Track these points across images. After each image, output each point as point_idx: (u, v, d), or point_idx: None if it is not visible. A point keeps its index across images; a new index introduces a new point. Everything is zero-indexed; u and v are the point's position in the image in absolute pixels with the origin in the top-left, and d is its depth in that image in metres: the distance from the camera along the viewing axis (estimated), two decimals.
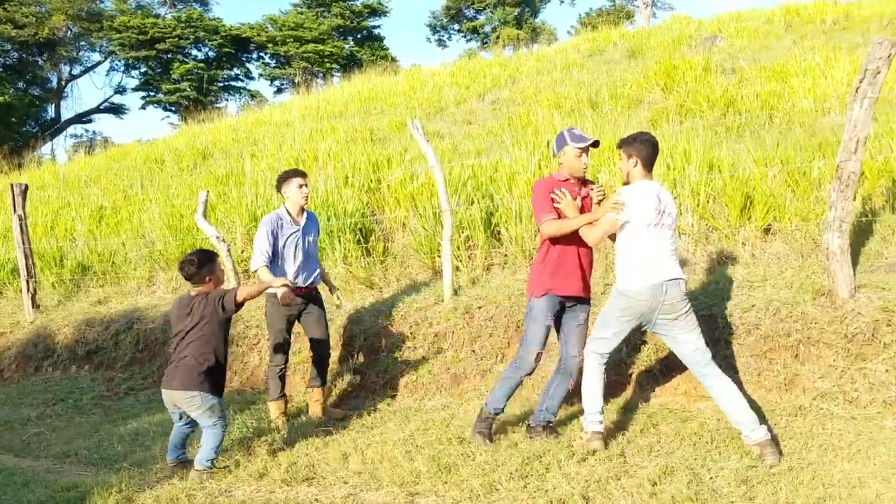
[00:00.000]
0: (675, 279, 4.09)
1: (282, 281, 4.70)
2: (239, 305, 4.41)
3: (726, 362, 4.91)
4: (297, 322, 5.52)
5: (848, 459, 3.82)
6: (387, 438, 4.76)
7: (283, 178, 5.51)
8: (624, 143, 4.25)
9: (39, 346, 7.86)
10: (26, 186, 8.72)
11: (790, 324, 4.82)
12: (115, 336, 7.54)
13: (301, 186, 5.45)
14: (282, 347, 5.47)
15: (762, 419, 4.14)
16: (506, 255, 6.93)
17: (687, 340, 4.12)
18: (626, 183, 4.26)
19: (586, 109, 11.00)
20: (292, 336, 5.61)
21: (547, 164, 7.35)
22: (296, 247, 5.42)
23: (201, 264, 4.40)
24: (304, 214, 5.55)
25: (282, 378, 5.51)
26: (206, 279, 4.44)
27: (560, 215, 4.39)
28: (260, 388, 6.30)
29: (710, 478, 3.78)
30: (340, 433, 5.04)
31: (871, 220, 5.63)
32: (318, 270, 5.62)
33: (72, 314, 8.18)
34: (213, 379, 4.37)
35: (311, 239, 5.55)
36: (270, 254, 5.29)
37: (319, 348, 5.55)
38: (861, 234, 5.55)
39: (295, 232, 5.43)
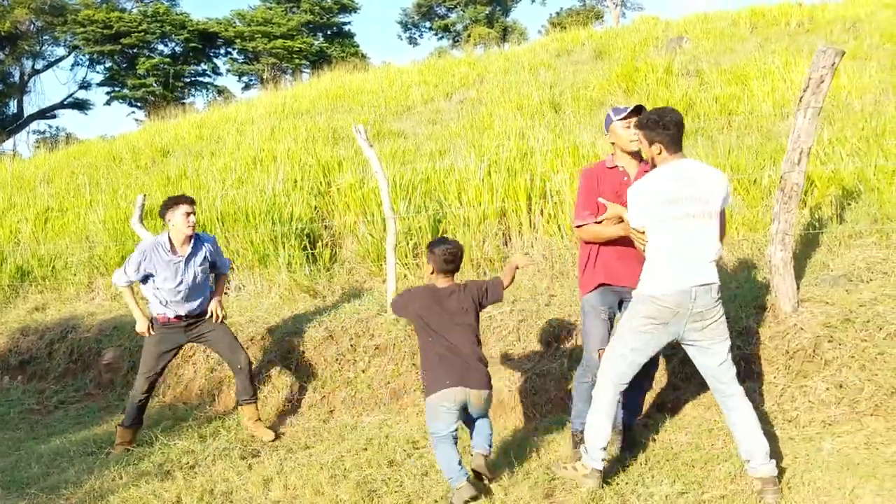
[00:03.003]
0: (707, 284, 3.57)
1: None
2: None
3: (665, 378, 4.77)
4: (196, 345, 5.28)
5: (783, 485, 3.68)
6: (314, 461, 4.55)
7: (169, 204, 5.07)
8: (643, 126, 3.72)
9: None
10: None
11: (731, 339, 4.67)
12: (50, 345, 7.25)
13: (188, 214, 5.00)
14: (150, 379, 5.22)
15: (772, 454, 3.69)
16: None
17: (716, 352, 3.65)
18: (654, 166, 3.78)
19: (548, 111, 10.86)
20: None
21: (496, 170, 7.17)
22: (177, 279, 5.05)
23: None
24: (190, 244, 5.10)
25: (140, 409, 5.25)
26: None
27: (599, 209, 4.04)
28: (193, 402, 6.06)
29: None
30: (269, 454, 4.82)
31: (818, 232, 5.51)
32: (205, 298, 5.27)
33: (7, 322, 7.88)
34: None
35: (197, 269, 5.12)
36: (135, 279, 5.08)
37: (236, 361, 5.25)
38: (808, 245, 5.44)
39: (176, 262, 5.04)
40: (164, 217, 5.12)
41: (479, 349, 3.95)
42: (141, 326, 5.15)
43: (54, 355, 7.17)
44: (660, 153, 3.68)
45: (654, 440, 4.33)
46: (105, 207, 9.50)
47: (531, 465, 4.19)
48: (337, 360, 5.93)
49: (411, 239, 6.92)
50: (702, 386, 4.63)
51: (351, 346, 5.99)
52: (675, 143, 3.66)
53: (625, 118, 4.05)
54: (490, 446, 3.97)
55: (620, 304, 4.14)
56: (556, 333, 5.30)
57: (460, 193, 7.11)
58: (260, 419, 5.37)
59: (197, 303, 5.21)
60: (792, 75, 9.50)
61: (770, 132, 8.05)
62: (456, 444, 3.82)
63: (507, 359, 5.35)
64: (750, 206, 6.02)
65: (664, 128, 3.63)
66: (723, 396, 3.70)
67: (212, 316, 5.26)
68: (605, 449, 3.72)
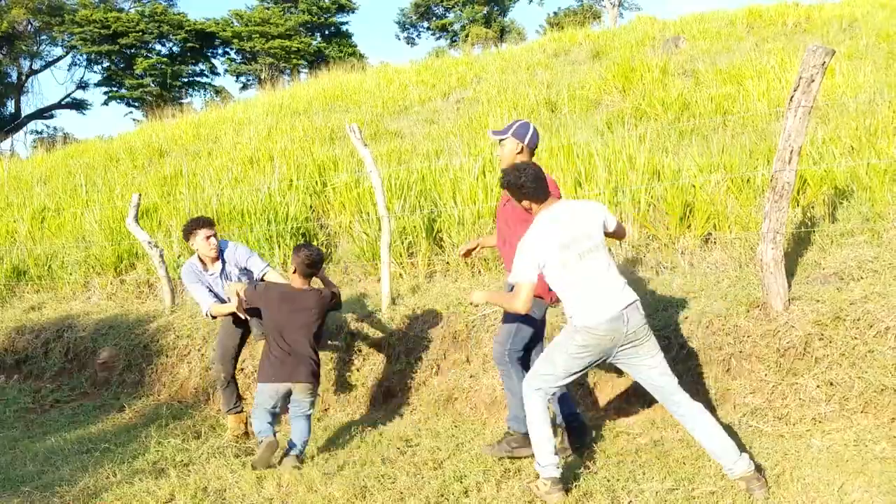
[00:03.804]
0: (632, 303, 3.67)
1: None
2: None
3: None
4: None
5: (772, 482, 3.70)
6: (308, 458, 4.58)
7: (189, 229, 5.13)
8: (507, 188, 3.83)
9: None
10: None
11: (722, 337, 4.71)
12: (46, 345, 7.27)
13: (208, 238, 5.08)
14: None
15: (741, 447, 3.76)
16: (448, 263, 6.76)
17: (653, 365, 3.71)
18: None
19: (544, 111, 10.89)
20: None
21: (491, 170, 7.19)
22: (221, 290, 5.22)
23: None
24: (220, 260, 5.21)
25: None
26: None
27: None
28: (188, 401, 6.07)
29: (629, 501, 3.65)
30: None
31: (810, 230, 5.54)
32: None
33: (3, 321, 7.89)
34: None
35: (235, 279, 5.19)
36: (210, 300, 5.17)
37: None
38: (799, 243, 5.46)
39: (213, 276, 5.21)
40: (188, 241, 5.21)
41: (312, 347, 4.58)
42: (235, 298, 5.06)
43: (50, 354, 7.19)
44: (530, 207, 3.80)
45: (645, 437, 4.35)
46: (101, 207, 9.51)
47: (522, 463, 4.21)
48: (331, 358, 5.95)
49: (406, 238, 6.94)
50: (692, 383, 4.67)
51: (346, 344, 6.01)
52: (540, 194, 3.76)
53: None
54: (302, 448, 4.55)
55: None
56: (547, 332, 5.30)
57: (455, 193, 7.13)
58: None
59: None
60: (787, 75, 9.51)
61: (765, 131, 8.06)
62: (273, 418, 4.57)
63: None
64: (742, 205, 6.03)
65: (522, 187, 3.73)
66: (674, 405, 3.73)
67: None
68: (555, 454, 3.75)
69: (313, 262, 4.59)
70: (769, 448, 4.07)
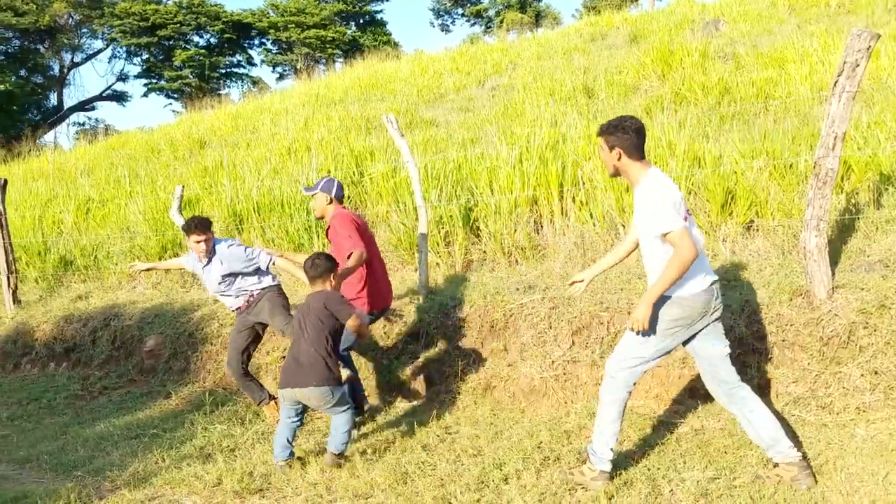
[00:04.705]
0: (718, 279, 3.68)
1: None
2: None
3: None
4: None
5: (815, 471, 3.68)
6: (350, 444, 4.65)
7: (185, 230, 5.38)
8: (602, 131, 3.69)
9: (18, 343, 7.81)
10: (6, 181, 8.63)
11: (765, 325, 4.67)
12: (93, 333, 7.47)
13: (198, 243, 5.26)
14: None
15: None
16: (484, 252, 6.79)
17: (718, 345, 3.68)
18: (614, 175, 3.77)
19: (581, 97, 10.80)
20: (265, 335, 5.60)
21: (528, 158, 7.18)
22: (208, 277, 5.40)
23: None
24: (208, 256, 5.35)
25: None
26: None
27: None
28: (232, 388, 6.20)
29: (670, 490, 3.66)
30: (306, 437, 4.95)
31: (854, 217, 5.44)
32: (242, 290, 5.38)
33: (52, 310, 8.12)
34: None
35: (220, 275, 5.29)
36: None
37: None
38: (844, 231, 5.37)
39: (201, 266, 5.40)
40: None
41: (324, 350, 4.31)
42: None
43: (98, 343, 7.38)
44: (619, 158, 3.64)
45: (686, 426, 4.34)
46: (144, 198, 9.71)
47: (562, 451, 4.24)
48: (371, 347, 6.02)
49: (443, 227, 6.97)
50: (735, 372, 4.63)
51: (384, 333, 6.08)
52: (637, 149, 3.63)
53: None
54: (342, 446, 4.37)
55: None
56: (587, 321, 5.31)
57: (492, 181, 7.13)
58: None
59: (236, 298, 5.40)
60: (831, 57, 9.31)
61: (807, 116, 7.91)
62: (293, 431, 4.39)
63: (538, 346, 5.38)
64: (785, 192, 5.95)
65: (623, 131, 3.61)
66: (730, 388, 3.68)
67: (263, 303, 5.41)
68: (613, 450, 3.74)
69: (307, 269, 4.50)
70: (812, 437, 4.04)
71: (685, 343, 3.72)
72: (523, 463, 4.07)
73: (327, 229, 5.12)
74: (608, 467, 3.73)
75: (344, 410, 4.34)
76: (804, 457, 3.66)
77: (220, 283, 5.32)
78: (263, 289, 5.39)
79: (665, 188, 3.56)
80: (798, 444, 3.93)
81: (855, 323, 4.43)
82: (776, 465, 3.65)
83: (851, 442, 3.92)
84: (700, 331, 3.66)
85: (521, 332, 5.46)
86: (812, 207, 4.61)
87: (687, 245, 3.43)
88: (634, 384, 3.75)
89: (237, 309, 5.42)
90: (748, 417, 3.67)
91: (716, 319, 3.66)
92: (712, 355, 3.69)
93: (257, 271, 5.40)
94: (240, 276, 5.35)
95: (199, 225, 5.28)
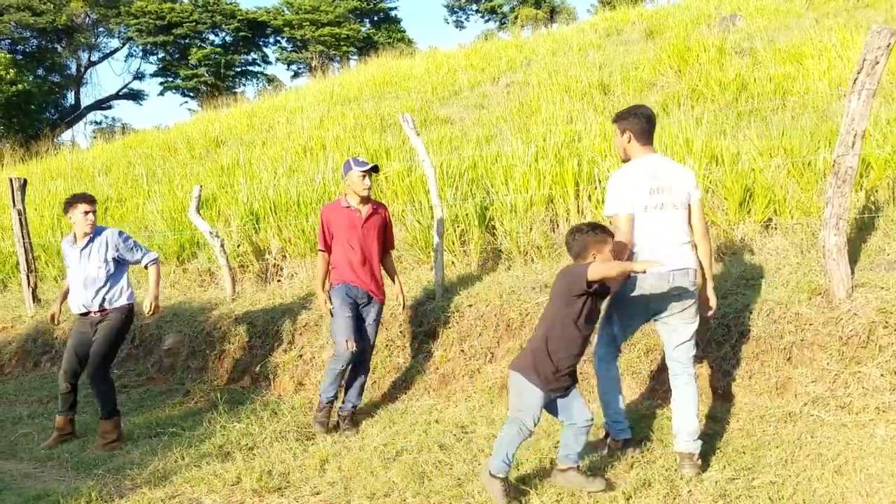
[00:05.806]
0: (683, 269, 3.82)
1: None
2: None
3: (717, 364, 4.76)
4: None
5: (835, 471, 3.66)
6: (367, 444, 4.68)
7: (70, 202, 5.38)
8: (617, 118, 4.05)
9: (39, 341, 7.90)
10: (25, 181, 8.72)
11: (783, 325, 4.64)
12: None
13: (87, 213, 5.31)
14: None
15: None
16: (500, 250, 6.79)
17: (683, 332, 3.91)
18: (626, 160, 4.04)
19: (596, 93, 10.76)
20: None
21: (544, 156, 7.17)
22: (77, 268, 5.39)
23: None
24: (87, 238, 5.38)
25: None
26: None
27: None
28: (249, 387, 6.24)
29: (689, 490, 3.65)
30: (323, 437, 4.97)
31: (874, 216, 5.40)
32: (104, 295, 5.41)
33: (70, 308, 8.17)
34: None
35: (97, 263, 5.34)
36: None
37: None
38: (863, 229, 5.33)
39: (77, 249, 5.39)
40: (66, 214, 5.44)
41: None
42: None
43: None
44: (630, 141, 3.97)
45: (704, 427, 4.32)
46: (162, 197, 9.77)
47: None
48: (387, 345, 6.05)
49: (458, 226, 6.98)
50: (753, 372, 4.62)
51: (400, 332, 6.10)
52: (645, 134, 3.96)
53: (365, 172, 5.14)
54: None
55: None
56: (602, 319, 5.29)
57: (507, 180, 7.13)
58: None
59: (94, 299, 5.40)
60: (849, 53, 9.22)
61: (826, 112, 7.85)
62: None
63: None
64: (804, 190, 5.91)
65: (636, 117, 3.95)
66: (674, 374, 3.98)
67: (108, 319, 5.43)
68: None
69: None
70: (831, 437, 4.02)
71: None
72: (540, 462, 4.07)
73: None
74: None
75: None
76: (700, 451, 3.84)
77: (98, 269, 5.34)
78: (121, 306, 5.46)
79: (630, 171, 3.92)
80: (816, 444, 3.93)
81: (875, 322, 4.39)
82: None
83: (871, 442, 3.90)
84: (660, 316, 3.94)
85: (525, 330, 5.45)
86: (831, 206, 4.58)
87: (620, 232, 3.79)
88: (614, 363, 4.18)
89: (86, 314, 5.41)
90: (672, 402, 4.00)
91: (681, 308, 3.87)
92: (669, 342, 3.99)
93: (128, 284, 5.50)
94: (114, 279, 5.41)
95: (86, 196, 5.41)
